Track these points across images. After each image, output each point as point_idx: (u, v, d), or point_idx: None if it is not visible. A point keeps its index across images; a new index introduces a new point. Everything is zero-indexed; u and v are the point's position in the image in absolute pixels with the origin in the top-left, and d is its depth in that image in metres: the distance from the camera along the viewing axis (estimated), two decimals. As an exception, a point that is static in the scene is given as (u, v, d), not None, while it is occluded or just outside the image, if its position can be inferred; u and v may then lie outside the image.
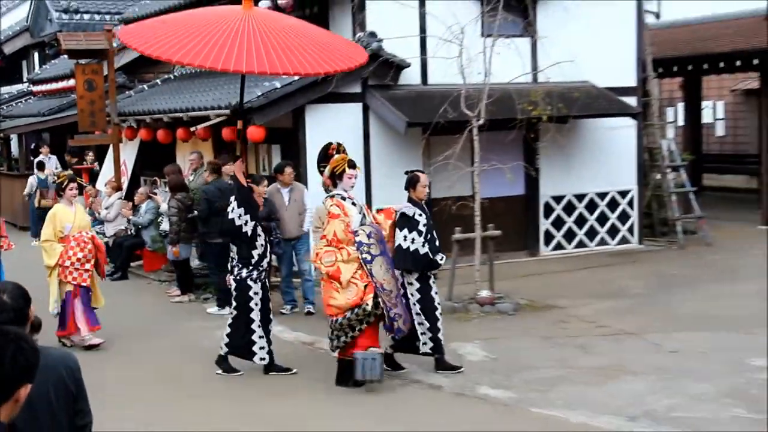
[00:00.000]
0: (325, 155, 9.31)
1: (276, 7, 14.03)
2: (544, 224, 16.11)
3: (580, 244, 16.33)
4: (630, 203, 16.72)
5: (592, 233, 16.45)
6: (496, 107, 13.03)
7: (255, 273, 9.36)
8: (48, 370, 3.62)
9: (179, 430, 7.96)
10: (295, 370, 9.53)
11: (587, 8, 15.84)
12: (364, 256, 8.68)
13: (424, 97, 14.34)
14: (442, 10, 13.63)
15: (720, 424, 7.70)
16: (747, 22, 20.14)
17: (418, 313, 9.18)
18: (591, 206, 16.40)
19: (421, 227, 9.07)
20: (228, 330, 9.49)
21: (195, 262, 14.02)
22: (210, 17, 8.98)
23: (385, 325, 8.94)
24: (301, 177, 13.32)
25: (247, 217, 9.19)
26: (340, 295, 8.68)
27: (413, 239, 9.01)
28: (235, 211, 9.16)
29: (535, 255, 15.89)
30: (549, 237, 16.16)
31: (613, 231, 16.61)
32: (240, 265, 9.36)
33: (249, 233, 9.24)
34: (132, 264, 15.89)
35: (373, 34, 13.93)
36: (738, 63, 18.81)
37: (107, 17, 24.22)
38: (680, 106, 25.11)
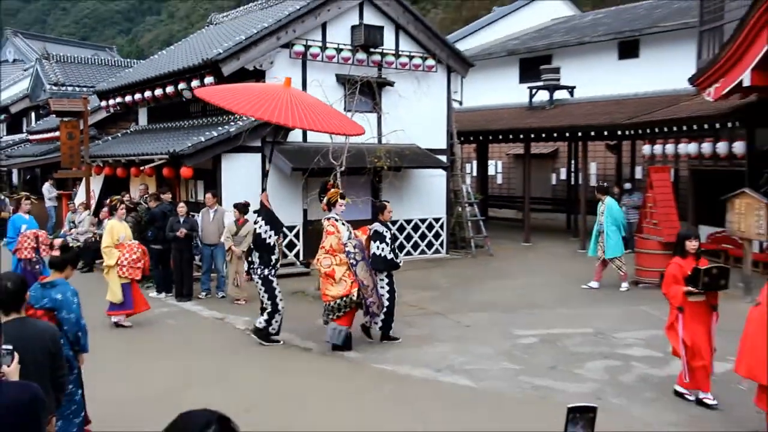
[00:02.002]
0: (324, 188, 8.86)
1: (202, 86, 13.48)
2: (385, 239, 15.95)
3: (408, 253, 16.24)
4: (441, 226, 16.79)
5: (416, 246, 16.43)
6: (353, 159, 12.87)
7: (273, 271, 8.83)
8: (36, 337, 3.75)
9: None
10: (282, 342, 8.92)
11: (415, 95, 15.94)
12: (351, 261, 8.37)
13: (304, 150, 14.01)
14: (317, 92, 13.38)
15: (494, 372, 7.71)
16: (516, 110, 20.83)
17: (387, 300, 8.84)
18: (415, 227, 16.38)
19: (387, 240, 8.80)
20: (267, 316, 8.80)
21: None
22: (262, 89, 8.96)
23: (363, 311, 8.58)
24: (220, 202, 12.79)
25: (272, 232, 8.76)
26: (333, 288, 8.31)
27: (383, 248, 8.73)
28: (262, 228, 8.74)
29: (378, 259, 15.74)
30: (388, 247, 16.01)
31: (429, 245, 16.64)
32: (262, 267, 8.73)
33: (271, 244, 8.78)
34: (96, 261, 14.80)
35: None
36: (510, 136, 19.31)
37: (84, 89, 23.27)
38: (474, 163, 25.60)
